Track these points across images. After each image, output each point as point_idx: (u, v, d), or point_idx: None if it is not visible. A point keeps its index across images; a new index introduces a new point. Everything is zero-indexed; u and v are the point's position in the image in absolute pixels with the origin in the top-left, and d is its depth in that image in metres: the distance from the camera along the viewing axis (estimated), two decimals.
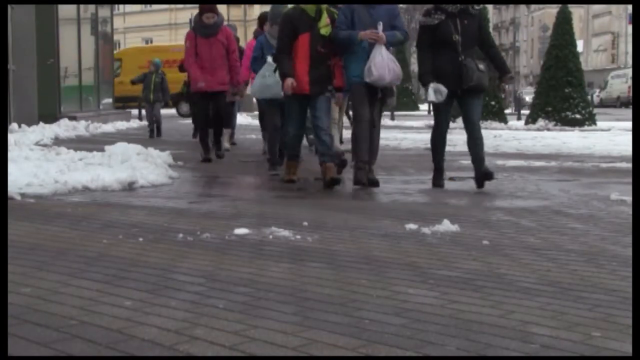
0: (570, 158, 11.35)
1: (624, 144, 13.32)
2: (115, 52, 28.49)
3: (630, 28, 53.94)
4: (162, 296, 3.13)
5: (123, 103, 26.01)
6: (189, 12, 41.01)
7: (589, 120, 20.68)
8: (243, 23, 61.69)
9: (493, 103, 21.55)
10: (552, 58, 20.72)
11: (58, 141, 12.59)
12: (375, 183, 7.23)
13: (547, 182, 8.04)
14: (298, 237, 4.51)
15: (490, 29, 7.35)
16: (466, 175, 8.13)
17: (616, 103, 46.08)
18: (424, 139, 15.89)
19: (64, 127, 15.05)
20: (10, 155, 7.73)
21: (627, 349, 2.54)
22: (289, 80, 7.15)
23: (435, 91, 6.97)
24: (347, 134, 8.67)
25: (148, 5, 69.62)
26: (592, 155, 11.93)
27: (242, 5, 64.00)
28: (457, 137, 11.45)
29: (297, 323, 2.77)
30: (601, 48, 69.71)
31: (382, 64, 6.93)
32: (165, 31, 67.55)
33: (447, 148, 7.63)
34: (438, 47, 7.04)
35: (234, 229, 4.66)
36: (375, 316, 2.86)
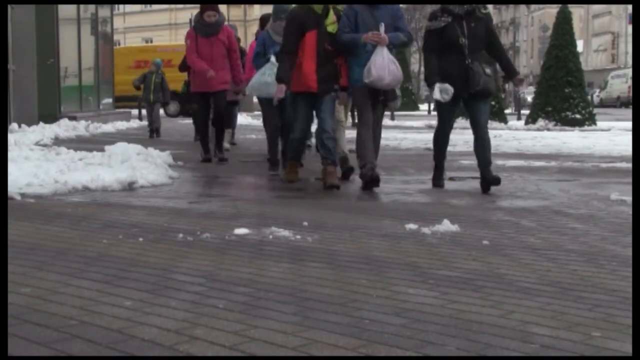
0: (570, 158, 11.36)
1: (624, 144, 13.32)
2: None
3: (630, 28, 53.94)
4: (162, 296, 3.13)
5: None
6: (189, 12, 41.05)
7: (589, 120, 20.69)
8: (243, 23, 61.72)
9: (493, 103, 21.52)
10: (552, 58, 20.73)
11: (58, 141, 12.58)
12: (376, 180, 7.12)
13: (547, 182, 8.04)
14: (298, 237, 4.51)
15: None
16: (466, 175, 8.13)
17: (616, 103, 46.09)
18: (424, 139, 15.90)
19: (64, 127, 15.05)
20: (10, 155, 7.73)
21: (627, 349, 2.54)
22: (283, 87, 7.13)
23: (442, 90, 6.93)
24: (348, 133, 8.64)
25: (148, 5, 69.62)
26: (592, 155, 11.93)
27: (242, 5, 64.02)
28: (457, 137, 11.45)
29: (297, 323, 2.77)
30: (601, 48, 69.72)
31: (382, 65, 6.86)
32: (165, 31, 67.57)
33: (447, 148, 7.62)
34: (444, 51, 6.99)
35: (234, 229, 4.66)
36: (375, 316, 2.86)
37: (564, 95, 20.55)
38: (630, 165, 9.30)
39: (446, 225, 4.82)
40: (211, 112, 9.88)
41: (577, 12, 62.27)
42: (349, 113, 10.21)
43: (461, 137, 12.80)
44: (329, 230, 4.84)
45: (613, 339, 2.64)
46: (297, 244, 4.32)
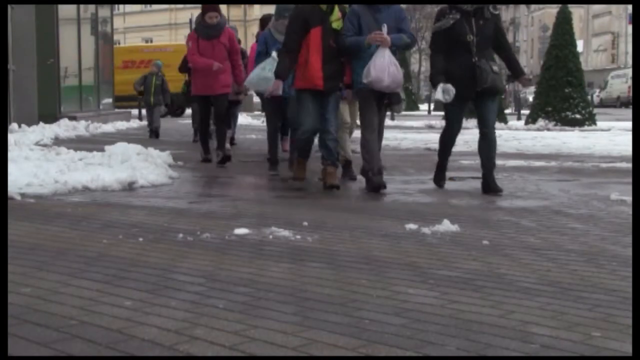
0: (570, 158, 11.36)
1: (624, 144, 13.32)
2: None
3: (630, 28, 53.94)
4: (162, 296, 3.13)
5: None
6: (189, 12, 41.04)
7: (589, 120, 20.69)
8: (243, 23, 61.75)
9: None
10: (552, 58, 20.73)
11: (58, 141, 12.58)
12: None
13: (547, 182, 8.04)
14: (298, 237, 4.51)
15: None
16: (466, 175, 8.13)
17: (616, 103, 46.08)
18: (424, 139, 15.92)
19: (64, 127, 15.04)
20: (10, 155, 7.73)
21: (627, 349, 2.54)
22: (280, 83, 7.10)
23: (444, 91, 6.85)
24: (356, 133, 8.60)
25: (148, 5, 69.64)
26: (592, 155, 11.93)
27: (242, 5, 64.02)
28: (457, 137, 11.42)
29: (297, 323, 2.77)
30: (601, 48, 69.70)
31: (382, 67, 6.75)
32: (165, 31, 67.60)
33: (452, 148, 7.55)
34: (452, 50, 6.90)
35: (234, 229, 4.66)
36: (375, 316, 2.86)
37: (564, 95, 20.54)
38: (630, 165, 9.30)
39: (446, 225, 4.82)
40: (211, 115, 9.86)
41: (577, 12, 62.25)
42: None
43: (461, 137, 12.68)
44: (329, 230, 4.84)
45: (613, 339, 2.64)
46: (297, 244, 4.32)
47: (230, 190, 7.58)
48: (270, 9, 9.00)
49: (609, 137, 16.90)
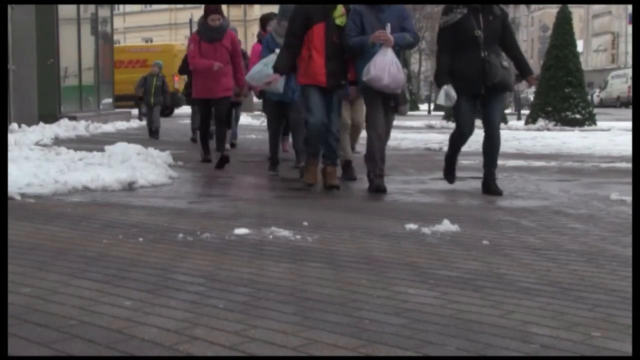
0: (570, 158, 11.35)
1: (624, 144, 13.31)
2: None
3: (630, 28, 53.93)
4: (162, 296, 3.13)
5: None
6: (189, 12, 41.10)
7: (589, 120, 20.68)
8: (243, 23, 61.75)
9: None
10: (552, 58, 20.72)
11: (58, 141, 12.58)
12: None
13: (547, 182, 8.04)
14: (298, 237, 4.51)
15: None
16: (466, 175, 8.13)
17: (616, 103, 46.06)
18: (424, 139, 15.91)
19: (64, 127, 15.04)
20: (10, 155, 7.73)
21: (627, 349, 2.54)
22: (277, 76, 7.09)
23: (447, 94, 6.78)
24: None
25: (148, 5, 69.64)
26: (592, 155, 11.93)
27: (242, 5, 64.01)
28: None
29: (297, 323, 2.77)
30: (601, 48, 69.69)
31: (383, 66, 6.69)
32: (165, 31, 67.59)
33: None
34: (459, 47, 6.75)
35: (234, 229, 4.66)
36: (375, 316, 2.86)
37: (564, 95, 20.54)
38: (630, 165, 9.29)
39: (446, 225, 4.82)
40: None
41: (577, 12, 62.25)
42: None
43: None
44: (329, 230, 4.84)
45: (613, 339, 2.64)
46: (297, 244, 4.32)
47: (230, 190, 7.58)
48: (270, 9, 8.95)
49: (609, 137, 16.90)
